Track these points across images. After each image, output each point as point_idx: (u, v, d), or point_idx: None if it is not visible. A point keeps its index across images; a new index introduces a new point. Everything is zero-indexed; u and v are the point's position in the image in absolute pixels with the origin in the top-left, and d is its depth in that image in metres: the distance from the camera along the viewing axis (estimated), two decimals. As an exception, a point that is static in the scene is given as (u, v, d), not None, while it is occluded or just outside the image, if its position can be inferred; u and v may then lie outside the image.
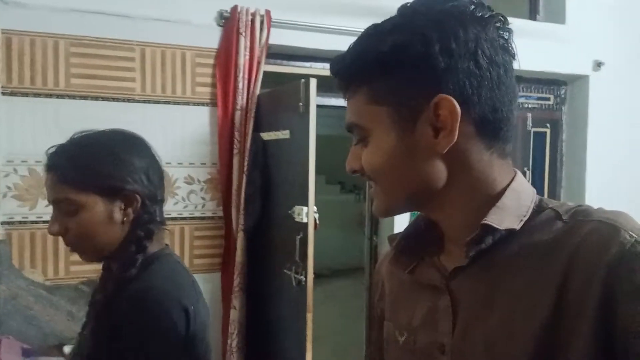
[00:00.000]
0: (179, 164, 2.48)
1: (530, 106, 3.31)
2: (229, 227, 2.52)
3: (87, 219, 0.95)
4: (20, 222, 2.23)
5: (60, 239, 0.99)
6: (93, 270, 1.10)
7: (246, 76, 2.44)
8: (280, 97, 2.39)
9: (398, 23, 0.59)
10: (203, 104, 2.50)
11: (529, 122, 3.29)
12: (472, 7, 0.59)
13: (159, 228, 1.04)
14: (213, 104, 2.50)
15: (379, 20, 0.62)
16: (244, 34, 2.42)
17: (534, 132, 3.32)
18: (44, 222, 2.21)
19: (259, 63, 2.47)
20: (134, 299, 0.91)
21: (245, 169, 2.44)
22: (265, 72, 2.50)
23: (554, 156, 3.38)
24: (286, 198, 2.32)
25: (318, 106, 2.19)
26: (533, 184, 0.66)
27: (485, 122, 0.59)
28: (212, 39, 2.48)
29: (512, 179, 0.62)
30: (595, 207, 0.59)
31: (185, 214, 2.50)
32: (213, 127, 2.50)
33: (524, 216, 0.59)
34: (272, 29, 2.48)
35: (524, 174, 3.20)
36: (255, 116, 2.45)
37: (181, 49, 2.45)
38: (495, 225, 0.57)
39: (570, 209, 0.58)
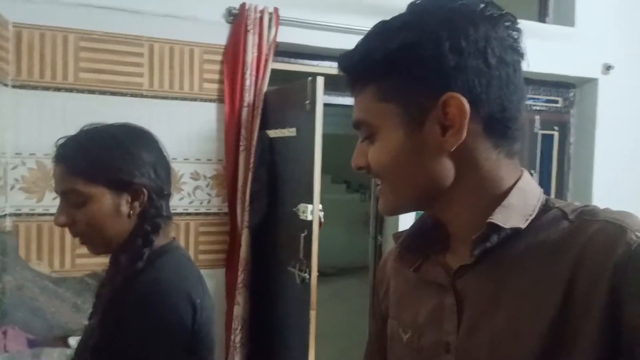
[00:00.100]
0: (185, 159, 2.48)
1: (538, 108, 3.29)
2: (234, 224, 2.52)
3: (95, 211, 0.96)
4: (27, 214, 2.25)
5: (67, 231, 0.99)
6: (99, 263, 1.10)
7: (254, 73, 2.45)
8: (287, 94, 2.39)
9: (407, 21, 0.59)
10: (210, 101, 2.51)
11: (537, 125, 3.28)
12: (482, 5, 0.58)
13: (166, 222, 1.04)
14: (220, 100, 2.51)
15: (387, 19, 0.62)
16: (252, 31, 2.42)
17: (542, 135, 3.30)
18: (51, 214, 2.22)
19: (266, 60, 2.47)
20: (141, 292, 0.91)
21: (251, 166, 2.44)
22: (272, 70, 2.51)
23: (562, 159, 3.36)
24: (291, 196, 2.32)
25: (325, 104, 2.19)
26: (540, 186, 0.66)
27: (493, 121, 0.59)
28: (220, 35, 2.49)
29: (519, 178, 0.62)
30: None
31: (191, 210, 2.51)
32: (220, 123, 2.51)
33: (530, 215, 0.59)
34: (280, 27, 2.49)
35: (531, 176, 3.19)
36: (262, 113, 2.46)
37: (189, 45, 2.45)
38: (500, 224, 0.57)
39: (577, 209, 0.58)
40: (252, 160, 2.44)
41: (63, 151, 0.98)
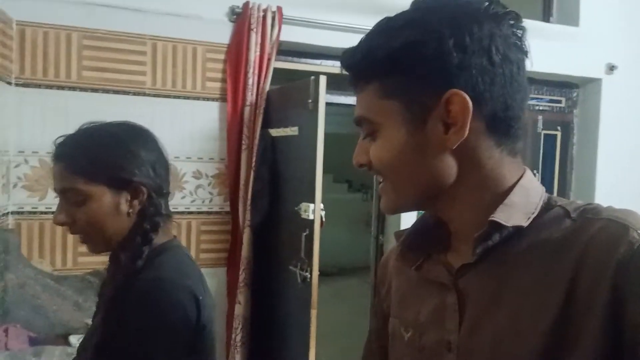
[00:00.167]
0: (187, 158, 2.49)
1: (541, 108, 3.28)
2: (235, 223, 2.53)
3: (94, 209, 0.96)
4: (29, 212, 2.25)
5: (68, 229, 0.99)
6: (101, 261, 1.10)
7: (256, 72, 2.45)
8: (290, 93, 2.39)
9: (411, 18, 0.59)
10: (213, 99, 2.51)
11: (540, 125, 3.27)
12: (487, 3, 0.58)
13: (165, 220, 1.04)
14: (223, 99, 2.51)
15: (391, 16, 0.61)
16: (255, 30, 2.42)
17: (545, 135, 3.29)
18: (53, 212, 2.23)
19: (269, 59, 2.47)
20: (142, 290, 0.91)
21: (253, 164, 2.44)
22: (275, 69, 2.50)
23: (564, 159, 3.35)
24: (293, 195, 2.32)
25: (327, 104, 2.19)
26: (542, 186, 0.66)
27: (496, 119, 0.58)
28: (223, 34, 2.49)
29: (521, 176, 0.62)
30: None
31: (193, 209, 2.51)
32: (222, 122, 2.51)
33: (532, 213, 0.59)
34: (283, 26, 2.49)
35: (534, 175, 3.18)
36: (265, 112, 2.46)
37: (192, 43, 2.46)
38: (502, 222, 0.57)
39: (579, 207, 0.58)
40: (254, 159, 2.44)
41: (62, 150, 0.98)
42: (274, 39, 2.47)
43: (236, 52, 2.46)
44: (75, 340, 2.09)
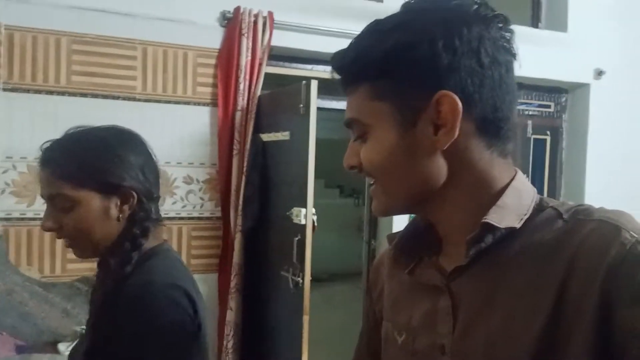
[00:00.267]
0: (178, 163, 2.47)
1: (530, 113, 3.31)
2: (227, 228, 2.51)
3: (83, 215, 0.94)
4: (17, 219, 2.22)
5: (55, 233, 0.98)
6: (89, 268, 1.09)
7: (247, 77, 2.45)
8: (281, 98, 2.39)
9: (401, 21, 0.59)
10: (204, 104, 2.50)
11: (529, 129, 3.30)
12: (476, 6, 0.59)
13: (155, 225, 1.03)
14: (214, 104, 2.50)
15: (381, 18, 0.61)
16: (246, 35, 2.42)
17: (534, 139, 3.32)
18: (41, 219, 2.20)
19: (260, 64, 2.47)
20: (132, 296, 0.90)
21: (244, 169, 2.43)
22: (266, 74, 2.50)
23: (554, 163, 3.38)
24: (285, 199, 2.31)
25: (318, 109, 2.19)
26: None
27: (485, 120, 0.58)
28: (214, 39, 2.49)
29: (513, 178, 0.62)
30: None
31: (184, 214, 2.49)
32: (213, 127, 2.50)
33: (525, 215, 0.59)
34: (274, 31, 2.49)
35: (524, 180, 3.21)
36: (256, 117, 2.45)
37: (183, 48, 2.45)
38: (495, 224, 0.57)
39: (571, 208, 0.58)
40: (245, 164, 2.43)
41: (49, 155, 0.96)
42: (265, 43, 2.47)
43: (227, 57, 2.46)
44: (64, 347, 2.07)
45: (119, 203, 0.97)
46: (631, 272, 0.49)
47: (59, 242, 2.31)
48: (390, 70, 0.58)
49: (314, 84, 2.14)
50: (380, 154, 0.61)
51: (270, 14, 2.47)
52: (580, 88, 3.29)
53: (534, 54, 2.87)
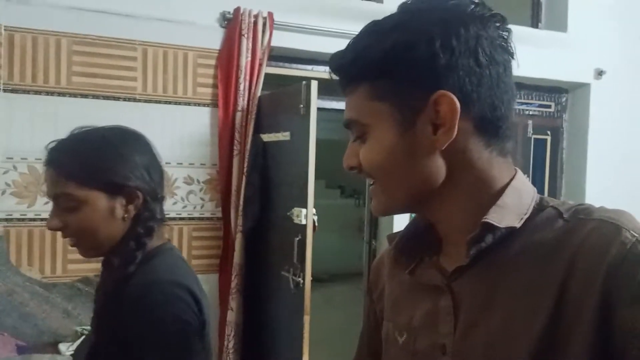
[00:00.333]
0: (178, 164, 2.47)
1: (531, 113, 3.31)
2: (227, 228, 2.51)
3: (88, 214, 0.94)
4: (18, 219, 2.23)
5: (59, 236, 0.98)
6: (90, 268, 1.09)
7: (247, 78, 2.45)
8: (281, 99, 2.39)
9: (399, 21, 0.59)
10: (204, 105, 2.50)
11: (530, 129, 3.29)
12: (473, 6, 0.59)
13: (159, 225, 1.03)
14: (214, 104, 2.50)
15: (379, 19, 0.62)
16: (246, 35, 2.42)
17: (535, 139, 3.32)
18: (42, 219, 2.21)
19: (260, 65, 2.47)
20: (135, 295, 0.90)
21: (245, 170, 2.43)
22: (266, 75, 2.50)
23: (554, 163, 3.38)
24: (285, 200, 2.31)
25: (319, 109, 2.19)
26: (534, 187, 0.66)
27: (484, 119, 0.59)
28: (214, 40, 2.49)
29: (513, 177, 0.62)
30: None
31: (184, 214, 2.49)
32: (213, 128, 2.51)
33: (525, 214, 0.59)
34: (274, 31, 2.49)
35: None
36: (256, 118, 2.46)
37: (183, 49, 2.45)
38: (495, 224, 0.57)
39: (571, 208, 0.58)
40: (245, 164, 2.43)
41: (55, 155, 0.96)
42: (265, 44, 2.47)
43: (227, 58, 2.46)
44: (65, 348, 2.07)
45: (124, 203, 0.97)
46: (631, 271, 0.49)
47: (60, 243, 2.31)
48: (389, 70, 0.58)
49: (314, 85, 2.14)
50: (380, 154, 0.61)
51: (270, 14, 2.47)
52: (581, 88, 3.29)
53: (534, 54, 2.87)
